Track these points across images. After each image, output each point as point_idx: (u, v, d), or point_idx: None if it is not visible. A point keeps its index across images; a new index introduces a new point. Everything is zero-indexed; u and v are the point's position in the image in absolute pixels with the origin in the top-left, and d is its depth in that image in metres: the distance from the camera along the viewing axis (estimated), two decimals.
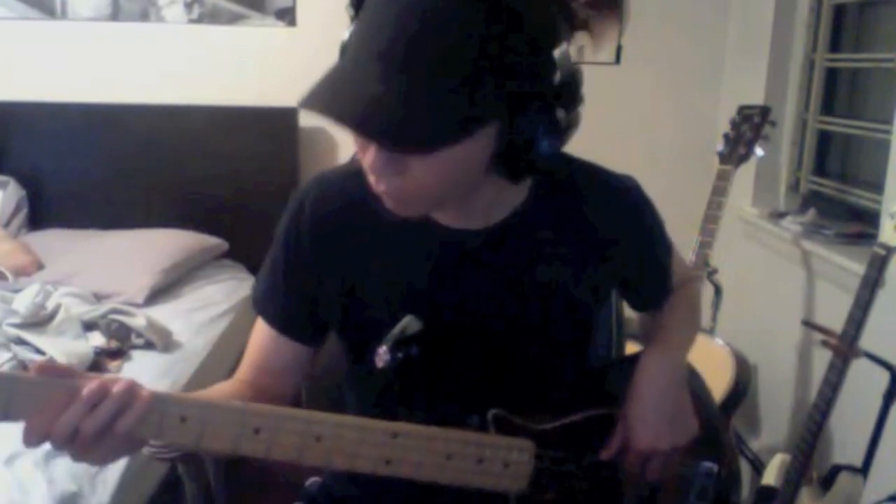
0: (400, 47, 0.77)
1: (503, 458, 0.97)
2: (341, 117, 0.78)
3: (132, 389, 0.82)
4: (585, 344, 1.14)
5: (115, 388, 0.81)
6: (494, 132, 0.83)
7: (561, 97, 0.84)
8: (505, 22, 0.78)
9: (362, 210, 0.98)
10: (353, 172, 0.95)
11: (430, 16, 0.77)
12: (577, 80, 0.85)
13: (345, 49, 0.84)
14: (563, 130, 0.85)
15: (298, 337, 1.07)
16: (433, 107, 0.78)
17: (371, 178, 0.88)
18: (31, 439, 0.79)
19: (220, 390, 1.04)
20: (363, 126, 0.80)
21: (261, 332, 1.09)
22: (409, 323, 0.96)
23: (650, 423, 1.04)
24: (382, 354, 0.94)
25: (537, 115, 0.83)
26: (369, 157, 0.85)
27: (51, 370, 0.81)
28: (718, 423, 1.19)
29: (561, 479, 1.04)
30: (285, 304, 1.06)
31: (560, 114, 0.84)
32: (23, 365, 1.91)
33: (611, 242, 1.05)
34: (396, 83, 0.77)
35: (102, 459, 0.84)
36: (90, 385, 0.80)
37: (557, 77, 0.83)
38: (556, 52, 0.82)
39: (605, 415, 1.08)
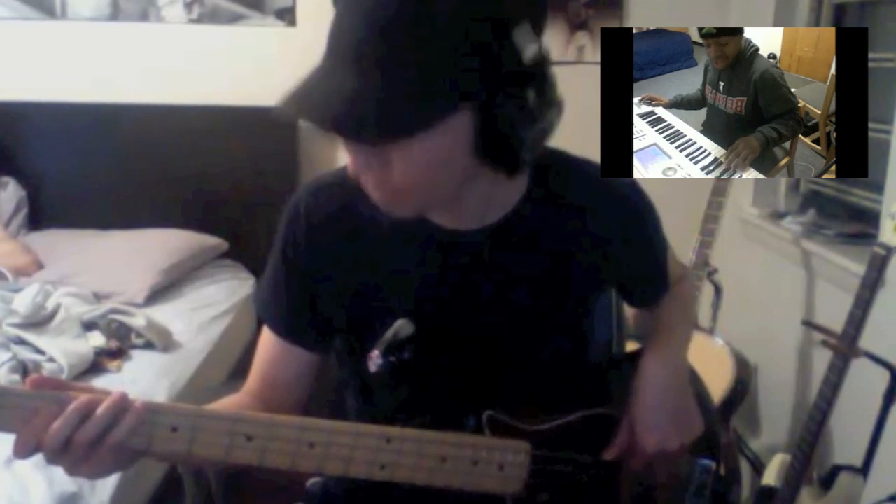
0: (373, 41, 0.79)
1: (498, 459, 0.97)
2: (316, 120, 0.80)
3: (123, 401, 0.83)
4: (582, 344, 1.13)
5: (106, 400, 0.82)
6: (468, 119, 0.83)
7: (532, 79, 0.83)
8: (470, 7, 0.79)
9: (357, 214, 0.98)
10: (348, 176, 0.96)
11: (398, 10, 0.78)
12: (545, 61, 0.84)
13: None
14: (536, 114, 0.84)
15: (303, 343, 1.07)
16: (403, 96, 0.79)
17: (357, 176, 0.89)
18: (22, 450, 0.79)
19: (226, 405, 1.03)
20: (337, 128, 0.81)
21: (267, 342, 1.08)
22: (401, 327, 0.95)
23: (657, 425, 1.04)
24: (375, 359, 0.94)
25: (506, 97, 0.82)
26: (352, 155, 0.87)
27: (42, 382, 0.81)
28: (714, 420, 1.18)
29: (557, 479, 1.04)
30: (288, 310, 1.06)
31: (531, 95, 0.83)
32: (23, 365, 1.91)
33: (609, 242, 1.05)
34: (371, 78, 0.79)
35: (95, 473, 0.84)
36: (81, 396, 0.81)
37: (525, 59, 0.81)
38: (520, 34, 0.81)
39: (601, 415, 1.07)
